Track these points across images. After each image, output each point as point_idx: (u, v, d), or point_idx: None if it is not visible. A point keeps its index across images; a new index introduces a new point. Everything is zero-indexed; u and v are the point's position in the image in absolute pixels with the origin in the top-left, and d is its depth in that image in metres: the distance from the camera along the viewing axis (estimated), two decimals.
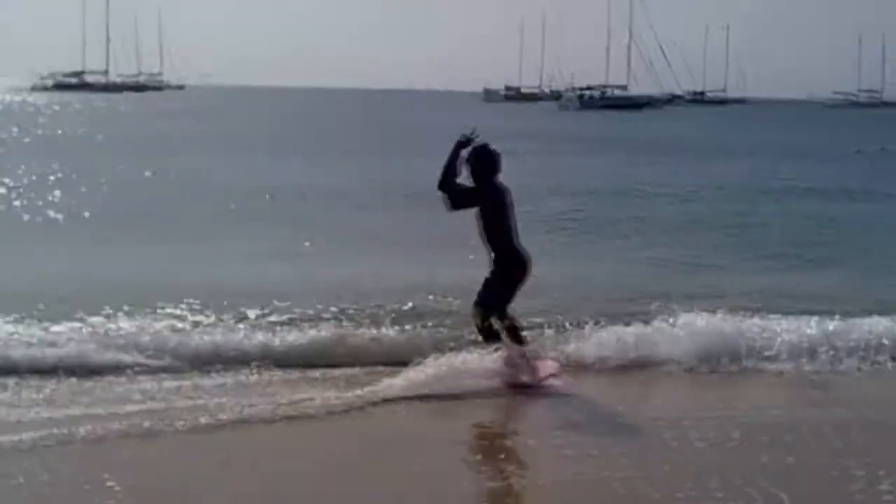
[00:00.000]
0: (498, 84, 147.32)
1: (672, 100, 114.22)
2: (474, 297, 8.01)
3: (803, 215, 20.56)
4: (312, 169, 28.61)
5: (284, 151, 34.95)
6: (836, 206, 22.73)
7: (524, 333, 8.19)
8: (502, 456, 6.64)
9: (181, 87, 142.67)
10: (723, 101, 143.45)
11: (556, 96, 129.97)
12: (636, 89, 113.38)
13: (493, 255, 7.89)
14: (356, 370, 8.21)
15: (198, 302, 10.07)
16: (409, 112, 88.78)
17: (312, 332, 8.91)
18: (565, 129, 61.24)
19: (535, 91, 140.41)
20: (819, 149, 46.45)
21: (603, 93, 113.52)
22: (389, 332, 9.06)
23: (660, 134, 57.50)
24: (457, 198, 7.78)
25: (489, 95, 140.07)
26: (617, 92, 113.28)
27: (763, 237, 17.55)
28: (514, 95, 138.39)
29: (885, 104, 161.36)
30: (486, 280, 7.94)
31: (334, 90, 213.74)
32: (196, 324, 9.34)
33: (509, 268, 7.83)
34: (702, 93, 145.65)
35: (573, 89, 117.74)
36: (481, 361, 7.70)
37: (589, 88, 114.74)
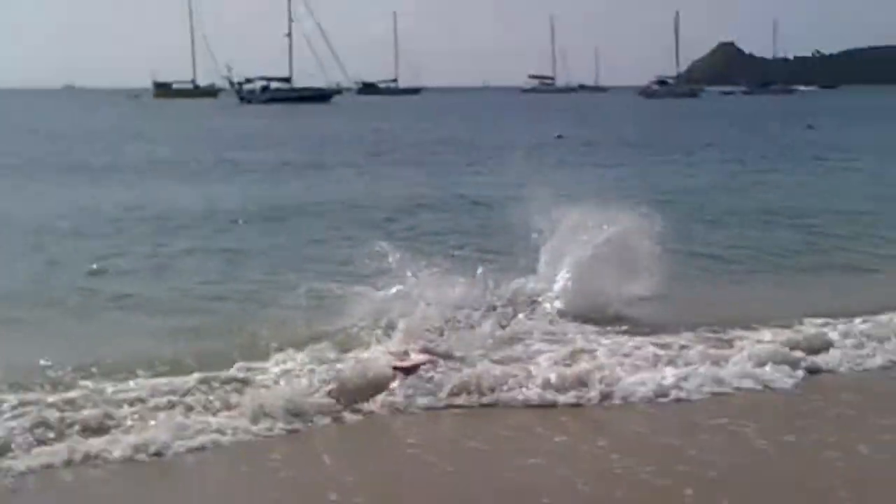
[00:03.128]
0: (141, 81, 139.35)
1: (340, 91, 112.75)
2: None
3: None
4: None
5: None
6: None
7: None
8: None
9: None
10: (395, 91, 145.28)
11: (210, 91, 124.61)
12: (300, 81, 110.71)
13: None
14: None
15: None
16: (60, 114, 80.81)
17: None
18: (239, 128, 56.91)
19: (188, 86, 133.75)
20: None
21: (265, 86, 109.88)
22: None
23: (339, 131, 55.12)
24: None
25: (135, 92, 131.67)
26: (278, 84, 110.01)
27: None
28: (163, 93, 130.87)
29: (582, 88, 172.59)
30: None
31: None
32: None
33: None
34: (373, 84, 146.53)
35: (232, 84, 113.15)
36: None
37: (248, 81, 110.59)
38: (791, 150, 38.64)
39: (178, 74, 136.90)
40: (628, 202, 12.24)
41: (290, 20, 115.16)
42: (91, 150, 37.49)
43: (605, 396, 8.12)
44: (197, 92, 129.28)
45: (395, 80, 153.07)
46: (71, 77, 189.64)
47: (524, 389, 8.18)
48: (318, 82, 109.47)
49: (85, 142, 43.14)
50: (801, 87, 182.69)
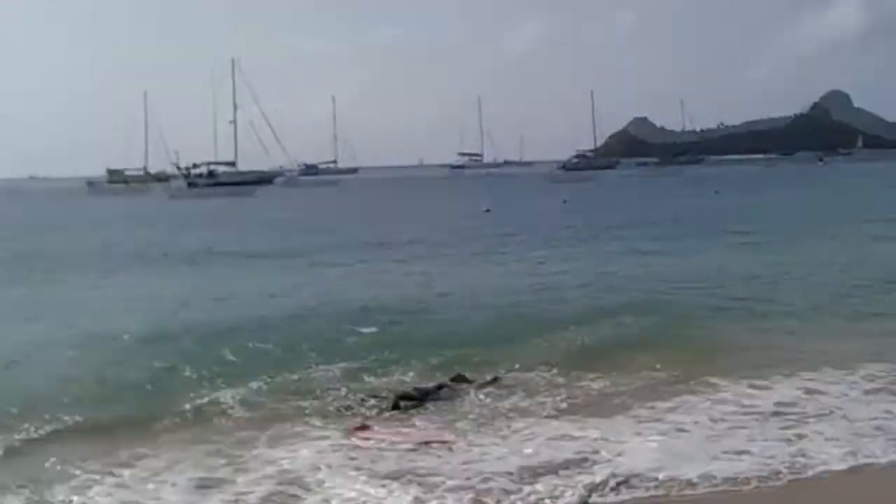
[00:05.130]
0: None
1: (283, 174, 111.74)
2: None
3: None
4: None
5: None
6: None
7: None
8: None
9: None
10: (335, 172, 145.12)
11: (161, 177, 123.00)
12: (245, 165, 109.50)
13: None
14: None
15: None
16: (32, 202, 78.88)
17: None
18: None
19: (140, 173, 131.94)
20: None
21: (211, 171, 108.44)
22: None
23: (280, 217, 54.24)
24: None
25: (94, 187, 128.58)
26: (223, 169, 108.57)
27: None
28: (119, 180, 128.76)
29: (508, 163, 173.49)
30: None
31: None
32: None
33: None
34: (314, 166, 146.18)
35: (180, 169, 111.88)
36: None
37: (195, 167, 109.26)
38: (702, 220, 38.78)
39: (131, 162, 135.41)
40: None
41: (235, 107, 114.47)
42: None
43: None
44: (148, 178, 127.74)
45: (334, 161, 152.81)
46: (34, 168, 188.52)
47: None
48: (262, 165, 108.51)
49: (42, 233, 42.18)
50: (754, 156, 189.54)
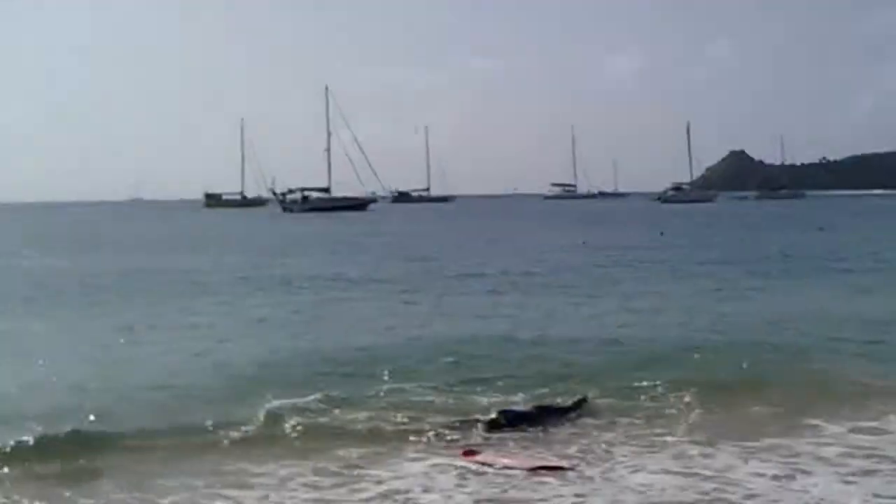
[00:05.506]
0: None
1: (376, 200, 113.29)
2: None
3: None
4: None
5: None
6: None
7: None
8: None
9: None
10: (428, 199, 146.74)
11: (258, 202, 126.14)
12: (339, 191, 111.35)
13: None
14: None
15: None
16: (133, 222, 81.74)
17: None
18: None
19: (237, 197, 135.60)
20: None
21: (305, 196, 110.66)
22: None
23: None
24: None
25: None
26: (317, 194, 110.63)
27: None
28: (216, 203, 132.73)
29: (602, 194, 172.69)
30: None
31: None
32: None
33: None
34: (406, 192, 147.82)
35: (275, 194, 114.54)
36: None
37: (290, 192, 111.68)
38: (806, 257, 36.60)
39: (228, 186, 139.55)
40: None
41: (329, 134, 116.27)
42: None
43: None
44: (244, 202, 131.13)
45: (427, 189, 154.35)
46: (136, 191, 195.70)
47: None
48: (356, 191, 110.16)
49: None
50: (861, 191, 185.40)
